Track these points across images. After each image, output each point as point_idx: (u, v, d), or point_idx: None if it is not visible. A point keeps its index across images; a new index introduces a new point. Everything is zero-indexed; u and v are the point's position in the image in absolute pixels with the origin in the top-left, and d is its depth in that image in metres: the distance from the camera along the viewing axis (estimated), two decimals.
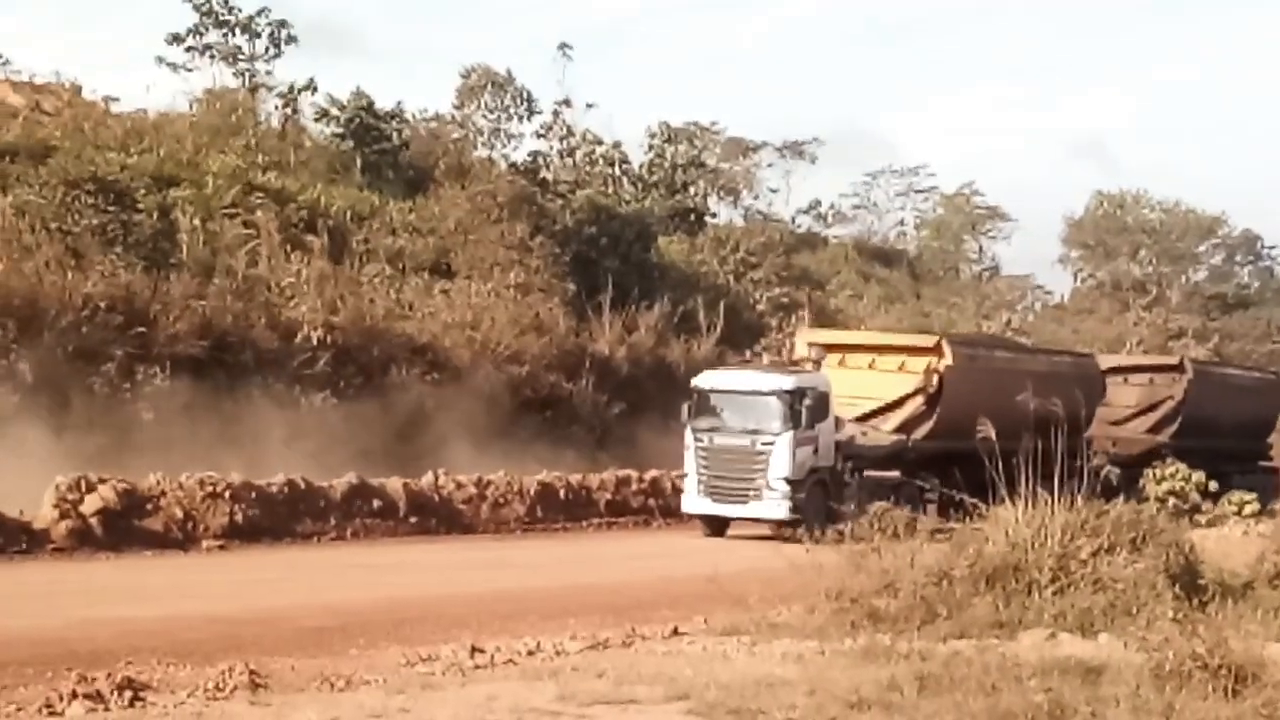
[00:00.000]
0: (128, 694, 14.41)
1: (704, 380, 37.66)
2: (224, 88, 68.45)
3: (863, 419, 39.28)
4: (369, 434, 41.45)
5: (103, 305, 40.93)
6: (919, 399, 39.54)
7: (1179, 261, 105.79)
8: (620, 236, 65.45)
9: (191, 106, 66.52)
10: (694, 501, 36.93)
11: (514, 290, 53.35)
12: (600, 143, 79.89)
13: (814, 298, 74.27)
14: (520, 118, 78.77)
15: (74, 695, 14.20)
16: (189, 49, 69.28)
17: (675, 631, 19.80)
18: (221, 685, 15.08)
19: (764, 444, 35.76)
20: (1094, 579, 19.16)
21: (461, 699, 14.78)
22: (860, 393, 39.35)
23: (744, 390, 36.83)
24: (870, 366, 40.60)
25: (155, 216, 49.30)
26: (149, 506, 29.16)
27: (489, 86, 78.02)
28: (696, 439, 36.61)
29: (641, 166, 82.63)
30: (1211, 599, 19.49)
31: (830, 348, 40.65)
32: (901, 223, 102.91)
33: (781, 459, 35.55)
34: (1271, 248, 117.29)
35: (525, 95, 78.49)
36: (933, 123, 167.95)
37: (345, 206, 58.04)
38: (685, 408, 37.33)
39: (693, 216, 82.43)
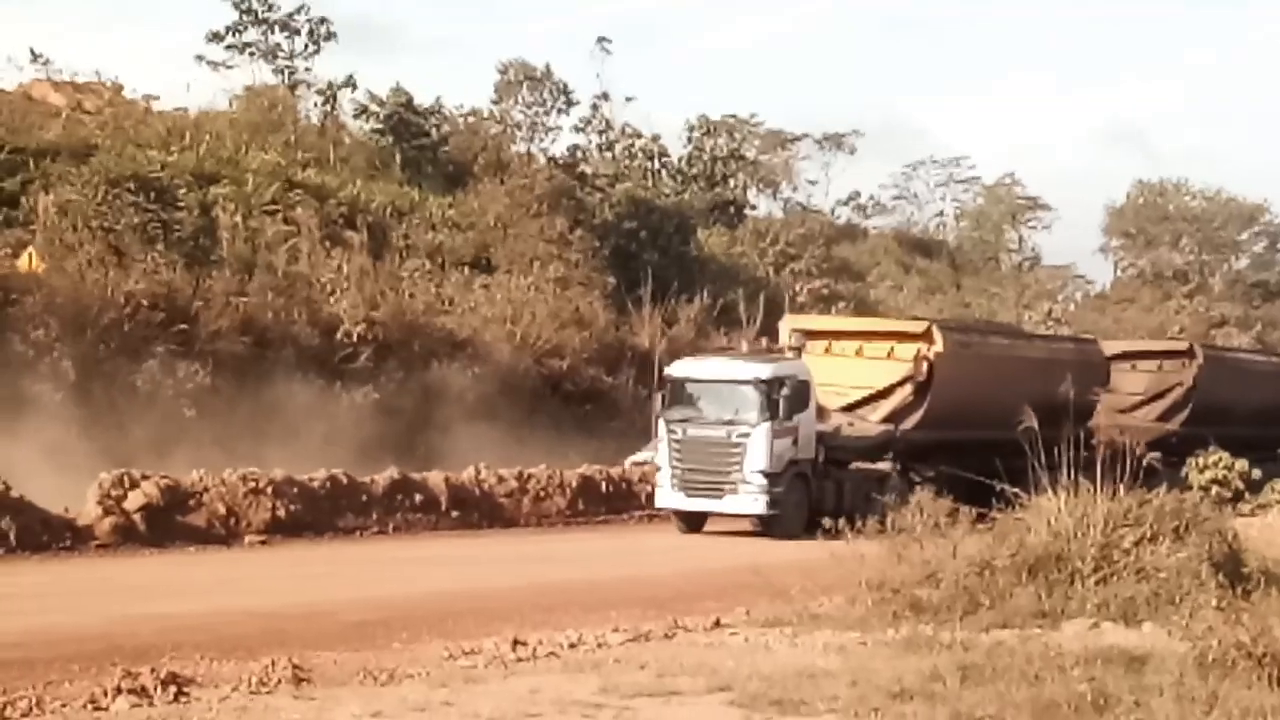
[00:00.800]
0: (172, 689, 14.45)
1: (678, 369, 35.81)
2: (264, 85, 68.70)
3: (849, 408, 37.45)
4: (410, 428, 41.59)
5: (144, 303, 41.11)
6: (908, 387, 37.50)
7: (1221, 250, 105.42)
8: (660, 229, 65.51)
9: (231, 104, 66.76)
10: (667, 496, 34.74)
11: (553, 284, 53.43)
12: (639, 136, 79.98)
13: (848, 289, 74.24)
14: (559, 111, 78.92)
15: (119, 690, 14.25)
16: (229, 47, 69.68)
17: (717, 623, 19.79)
18: (265, 679, 15.11)
19: (740, 435, 33.64)
20: (1137, 568, 19.10)
21: (504, 692, 14.80)
22: (847, 381, 37.68)
23: (719, 379, 34.90)
24: (857, 354, 38.62)
25: (196, 214, 49.53)
26: (192, 502, 29.23)
27: (526, 81, 78.09)
28: (670, 430, 34.52)
29: (680, 159, 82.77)
30: (1255, 588, 19.42)
31: (815, 334, 39.21)
32: (941, 213, 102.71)
33: (758, 451, 33.41)
34: None
35: (563, 89, 78.62)
36: (972, 113, 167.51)
37: (385, 202, 58.24)
38: (659, 398, 36.00)
39: (732, 209, 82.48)
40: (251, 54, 69.89)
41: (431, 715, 13.74)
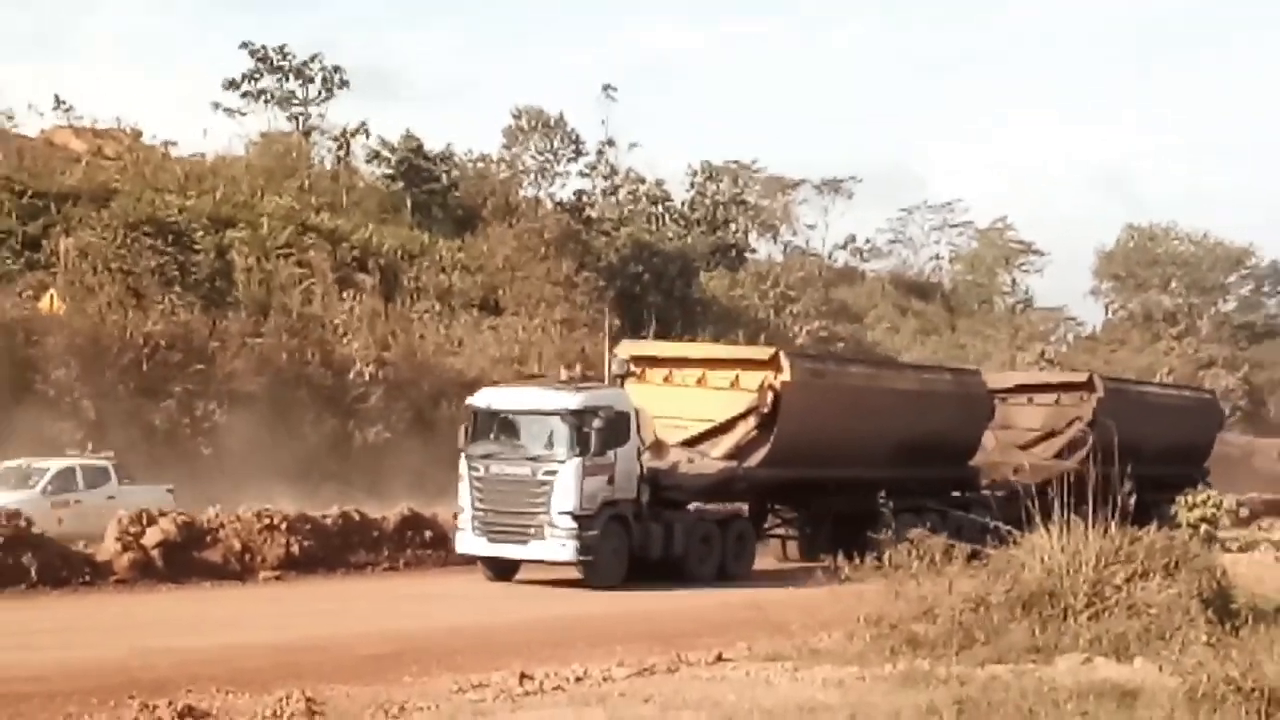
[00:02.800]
0: None
1: (481, 398, 30.90)
2: (278, 131, 69.10)
3: (690, 443, 32.60)
4: (420, 466, 41.58)
5: (163, 343, 41.29)
6: (751, 420, 32.69)
7: (1209, 292, 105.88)
8: (663, 272, 65.70)
9: (247, 150, 67.14)
10: (468, 541, 29.91)
11: (559, 325, 53.57)
12: (643, 181, 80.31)
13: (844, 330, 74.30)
14: (567, 158, 79.16)
15: None
16: (245, 94, 70.14)
17: (719, 658, 19.75)
18: (279, 713, 15.11)
19: (546, 473, 28.90)
20: (1128, 604, 19.08)
21: None
22: (688, 413, 33.09)
23: (524, 410, 30.07)
24: (699, 383, 34.01)
25: (213, 257, 49.75)
26: (208, 539, 29.24)
27: (539, 128, 78.37)
28: (471, 468, 29.65)
29: (683, 204, 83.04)
30: (1244, 623, 19.40)
31: (655, 361, 35.06)
32: (936, 257, 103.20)
33: (566, 490, 28.71)
34: None
35: (574, 137, 78.92)
36: (966, 159, 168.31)
37: (396, 245, 58.42)
38: (461, 430, 30.61)
39: (733, 252, 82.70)
40: (267, 101, 70.33)
41: None
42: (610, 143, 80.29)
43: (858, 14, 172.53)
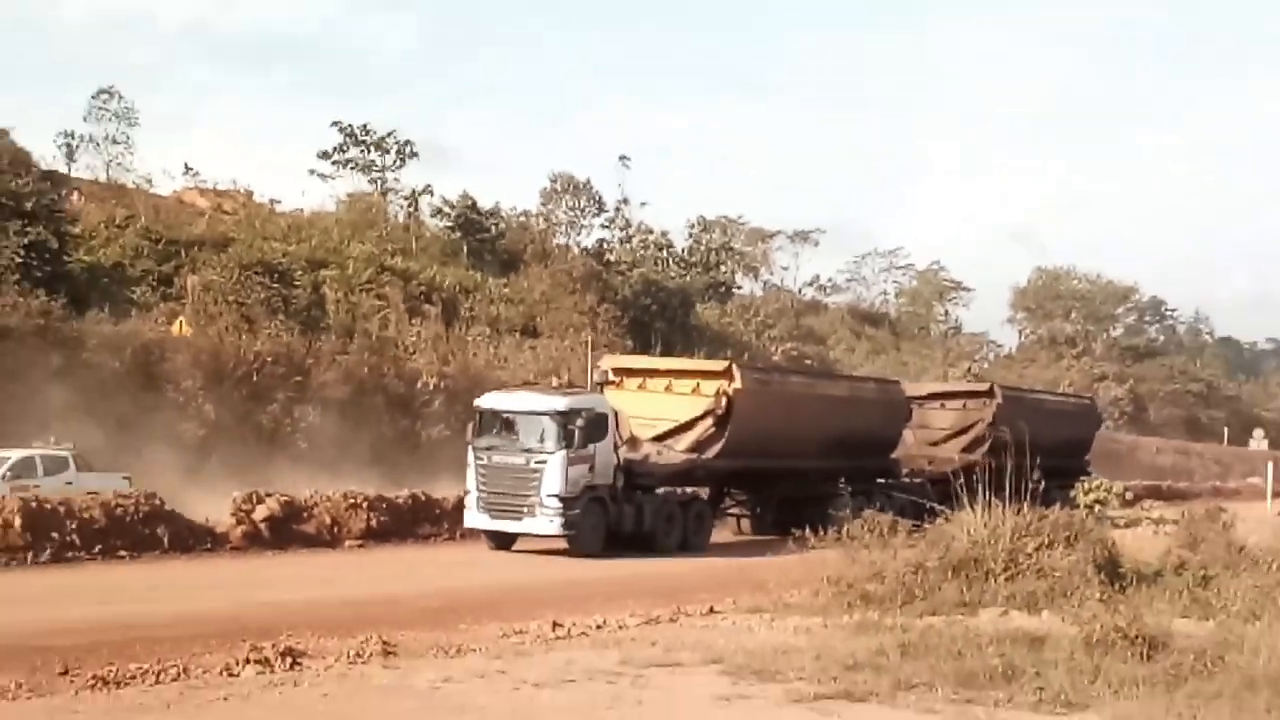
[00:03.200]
0: (288, 659, 14.42)
1: (485, 401, 30.59)
2: (361, 192, 69.19)
3: (659, 439, 32.52)
4: None
5: (268, 360, 41.28)
6: (709, 420, 32.46)
7: (1101, 321, 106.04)
8: (667, 304, 65.65)
9: (336, 207, 67.24)
10: (474, 517, 29.67)
11: (585, 346, 53.42)
12: (651, 232, 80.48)
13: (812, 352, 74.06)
14: (592, 213, 79.32)
15: (247, 661, 14.23)
16: (334, 162, 70.25)
17: (711, 610, 19.69)
18: (360, 652, 15.08)
19: (538, 462, 28.74)
20: (1037, 569, 18.99)
21: (546, 662, 14.75)
22: (657, 414, 32.79)
23: (520, 410, 29.71)
24: (667, 390, 33.59)
25: (309, 291, 49.79)
26: (305, 515, 29.17)
27: (569, 189, 78.49)
28: (477, 457, 29.43)
29: (683, 250, 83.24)
30: (1129, 584, 19.31)
31: (631, 372, 34.54)
32: (885, 292, 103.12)
33: (554, 476, 28.52)
34: (1174, 310, 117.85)
35: (597, 197, 79.07)
36: (907, 215, 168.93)
37: (454, 283, 58.44)
38: (469, 427, 30.62)
39: (723, 288, 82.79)
40: (352, 168, 70.44)
41: (490, 681, 13.69)
42: (625, 201, 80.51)
43: (823, 101, 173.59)
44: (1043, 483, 23.73)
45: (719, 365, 35.08)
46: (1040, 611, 17.60)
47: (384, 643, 15.52)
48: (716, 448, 32.39)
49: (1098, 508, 32.90)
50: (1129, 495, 41.36)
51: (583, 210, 79.05)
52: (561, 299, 59.38)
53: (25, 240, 41.44)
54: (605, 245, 76.81)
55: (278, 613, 18.71)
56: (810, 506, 32.51)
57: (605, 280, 63.60)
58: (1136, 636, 14.51)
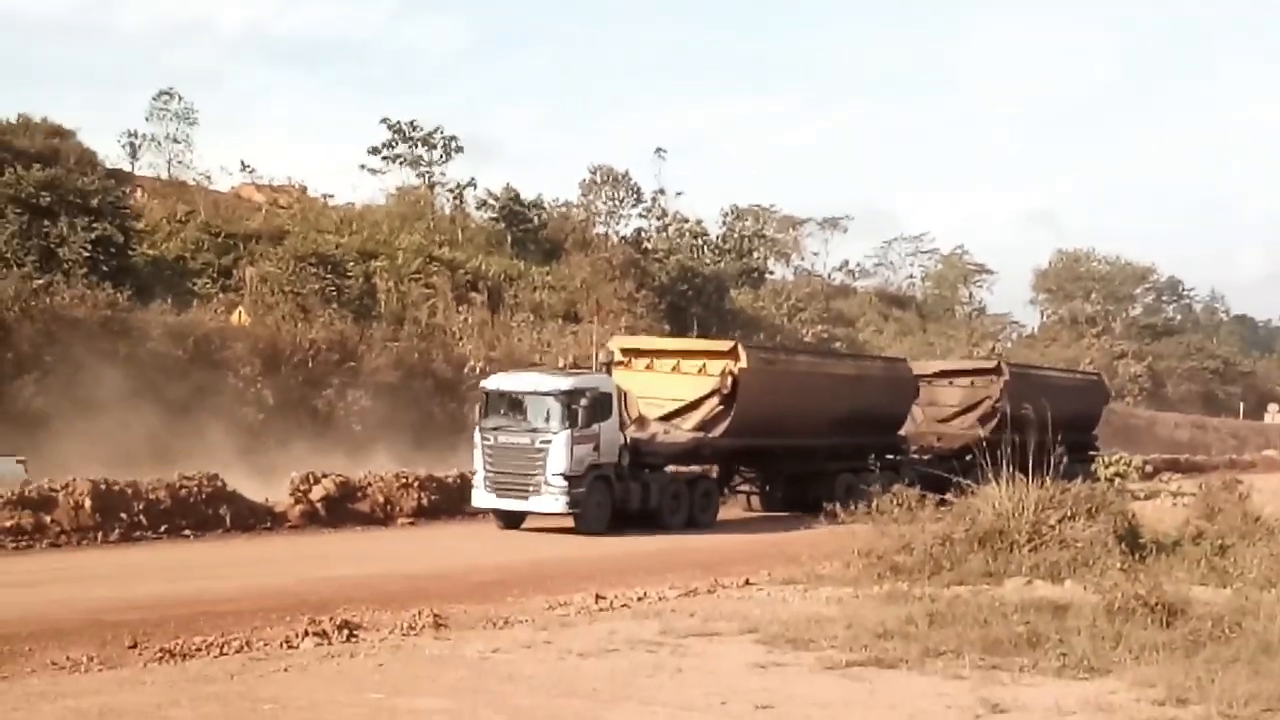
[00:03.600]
0: (345, 632, 14.51)
1: (491, 382, 29.85)
2: (409, 186, 69.19)
3: (666, 418, 31.62)
4: None
5: (323, 347, 41.42)
6: (715, 399, 31.53)
7: (1121, 301, 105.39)
8: (703, 290, 65.50)
9: (386, 200, 67.31)
10: (481, 497, 28.79)
11: (624, 331, 53.38)
12: (687, 220, 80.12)
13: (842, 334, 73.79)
14: (630, 203, 79.23)
15: (306, 633, 14.32)
16: (384, 158, 70.21)
17: (747, 582, 19.71)
18: (413, 625, 15.16)
19: (542, 442, 27.87)
20: (1060, 540, 18.96)
21: (590, 633, 14.80)
22: (665, 394, 31.93)
23: (525, 391, 28.88)
24: (674, 370, 32.49)
25: (361, 281, 49.90)
26: (359, 494, 29.24)
27: (609, 181, 78.38)
28: (484, 438, 28.57)
29: (717, 237, 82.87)
30: (1149, 554, 19.25)
31: (640, 353, 33.38)
32: (911, 276, 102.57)
33: (558, 456, 27.68)
34: (1190, 289, 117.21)
35: (635, 188, 78.96)
36: (933, 201, 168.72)
37: (499, 271, 58.46)
38: (477, 408, 29.79)
39: (756, 274, 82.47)
40: (400, 163, 70.39)
41: (536, 651, 13.74)
42: (662, 191, 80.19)
43: (852, 94, 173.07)
44: (1065, 457, 23.46)
45: (725, 345, 33.67)
46: (1063, 581, 17.56)
47: (435, 615, 15.61)
48: (723, 426, 31.59)
49: (1118, 480, 32.70)
50: (1148, 468, 41.14)
51: (621, 201, 78.89)
52: (601, 286, 59.32)
53: (92, 235, 41.68)
54: (643, 234, 76.63)
55: (335, 588, 18.83)
56: (819, 483, 32.51)
57: (643, 267, 63.47)
58: (1156, 604, 14.47)
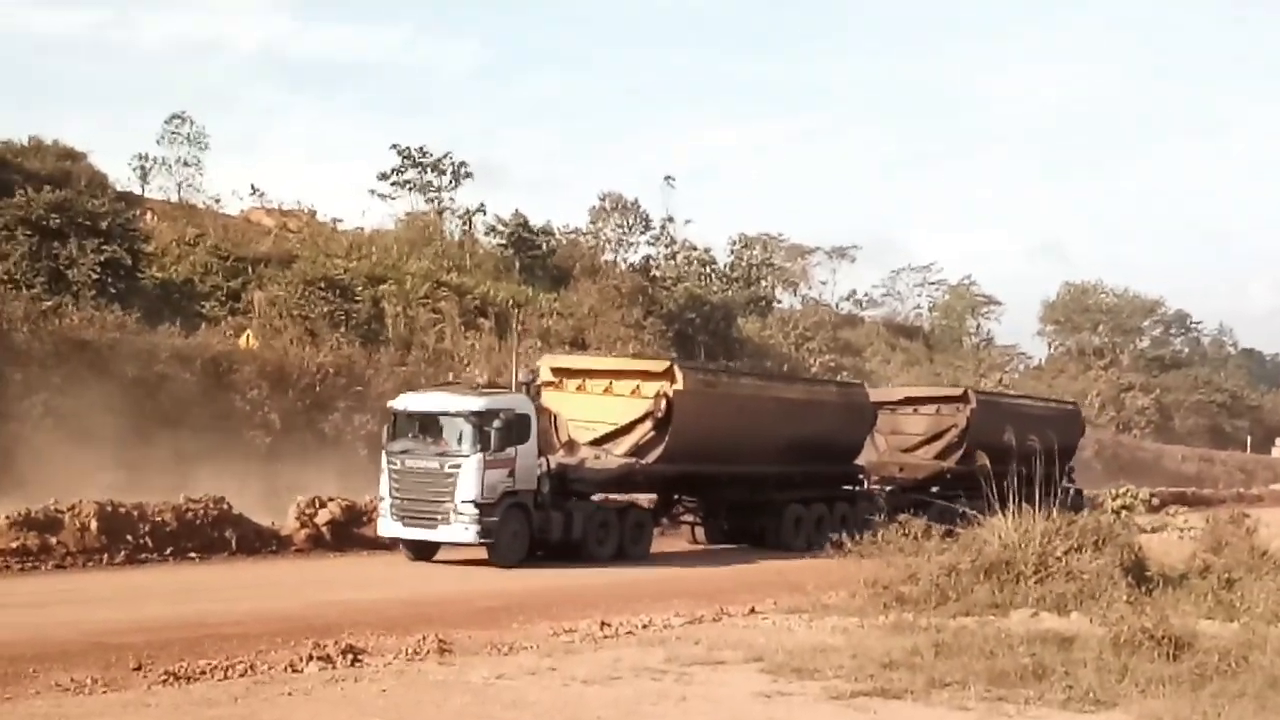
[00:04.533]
0: (349, 656, 14.50)
1: (400, 402, 27.54)
2: (418, 211, 69.57)
3: (597, 442, 29.41)
4: None
5: (331, 370, 41.41)
6: (648, 423, 29.11)
7: (1128, 333, 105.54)
8: (710, 318, 65.52)
9: (395, 225, 67.55)
10: (387, 525, 26.60)
11: (632, 359, 53.40)
12: (695, 248, 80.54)
13: (850, 364, 73.71)
14: (639, 231, 79.48)
15: (310, 658, 14.32)
16: (393, 183, 70.67)
17: (752, 610, 19.68)
18: (418, 650, 15.15)
19: (451, 466, 25.71)
20: (1066, 571, 18.91)
21: (595, 660, 14.77)
22: (596, 417, 29.67)
23: (434, 412, 26.61)
24: (606, 391, 30.05)
25: (369, 305, 49.95)
26: (365, 518, 29.16)
27: (617, 208, 78.67)
28: (390, 462, 26.44)
29: (726, 266, 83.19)
30: (1156, 586, 19.22)
31: (570, 372, 31.04)
32: (918, 306, 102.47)
33: (469, 481, 25.50)
34: (1198, 323, 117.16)
35: (643, 215, 79.23)
36: (941, 232, 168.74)
37: (507, 297, 58.50)
38: (384, 430, 27.55)
39: (764, 302, 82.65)
40: (409, 188, 70.77)
41: (541, 678, 13.73)
42: (670, 219, 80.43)
43: (863, 123, 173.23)
44: (1072, 490, 23.26)
45: (659, 365, 31.26)
46: (1069, 613, 17.53)
47: (440, 641, 15.59)
48: (657, 452, 29.21)
49: (1124, 513, 32.56)
50: (1155, 501, 40.85)
51: (630, 228, 79.18)
52: (609, 313, 59.38)
53: (101, 258, 41.80)
54: (651, 261, 76.77)
55: (340, 612, 18.82)
56: (766, 513, 31.39)
57: (651, 295, 63.51)
58: (1163, 637, 14.43)
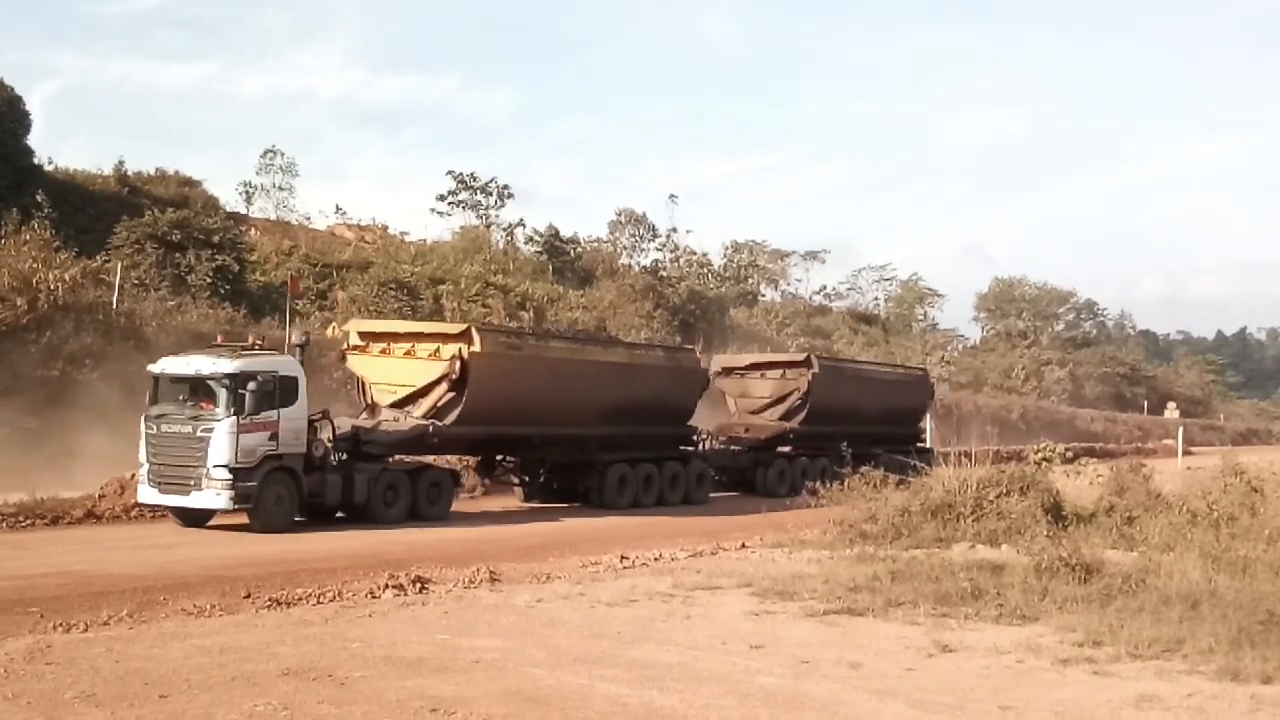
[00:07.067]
0: (418, 585, 14.53)
1: (158, 366, 22.13)
2: (471, 225, 69.36)
3: (398, 404, 25.02)
4: None
5: None
6: (444, 385, 24.56)
7: (1047, 319, 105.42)
8: (707, 310, 65.34)
9: (451, 237, 67.42)
10: (145, 492, 21.41)
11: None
12: (695, 253, 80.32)
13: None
14: (648, 239, 79.47)
15: (386, 586, 14.34)
16: (449, 203, 70.45)
17: (743, 546, 19.69)
18: (473, 579, 15.16)
19: (204, 430, 20.92)
20: (998, 512, 18.88)
21: (616, 586, 14.79)
22: (398, 379, 25.18)
23: (191, 375, 21.62)
24: (407, 354, 25.23)
25: (431, 302, 49.83)
26: None
27: (631, 221, 78.68)
28: (147, 427, 21.35)
29: (720, 267, 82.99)
30: (1070, 523, 19.16)
31: (375, 336, 26.19)
32: (876, 298, 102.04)
33: (220, 446, 20.75)
34: (1104, 309, 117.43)
35: (652, 226, 79.20)
36: (893, 237, 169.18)
37: (543, 294, 58.41)
38: (147, 395, 22.00)
39: (751, 296, 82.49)
40: (463, 207, 70.61)
41: (572, 601, 13.75)
42: (674, 230, 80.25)
43: (829, 153, 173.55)
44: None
45: (457, 329, 25.91)
46: (1000, 545, 17.49)
47: (491, 572, 15.62)
48: (455, 413, 24.69)
49: (1044, 464, 32.41)
50: (1069, 454, 40.60)
51: (641, 237, 79.17)
52: (625, 307, 59.22)
53: (214, 265, 41.85)
54: (659, 264, 76.64)
55: (409, 550, 18.87)
56: (590, 473, 27.57)
57: (659, 291, 63.32)
58: (1076, 564, 14.41)
